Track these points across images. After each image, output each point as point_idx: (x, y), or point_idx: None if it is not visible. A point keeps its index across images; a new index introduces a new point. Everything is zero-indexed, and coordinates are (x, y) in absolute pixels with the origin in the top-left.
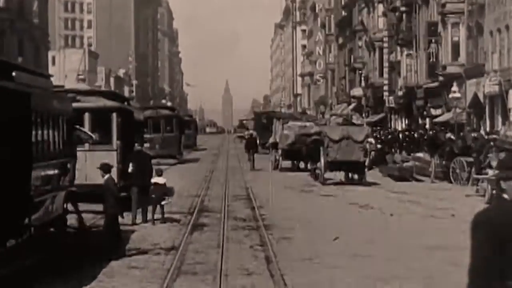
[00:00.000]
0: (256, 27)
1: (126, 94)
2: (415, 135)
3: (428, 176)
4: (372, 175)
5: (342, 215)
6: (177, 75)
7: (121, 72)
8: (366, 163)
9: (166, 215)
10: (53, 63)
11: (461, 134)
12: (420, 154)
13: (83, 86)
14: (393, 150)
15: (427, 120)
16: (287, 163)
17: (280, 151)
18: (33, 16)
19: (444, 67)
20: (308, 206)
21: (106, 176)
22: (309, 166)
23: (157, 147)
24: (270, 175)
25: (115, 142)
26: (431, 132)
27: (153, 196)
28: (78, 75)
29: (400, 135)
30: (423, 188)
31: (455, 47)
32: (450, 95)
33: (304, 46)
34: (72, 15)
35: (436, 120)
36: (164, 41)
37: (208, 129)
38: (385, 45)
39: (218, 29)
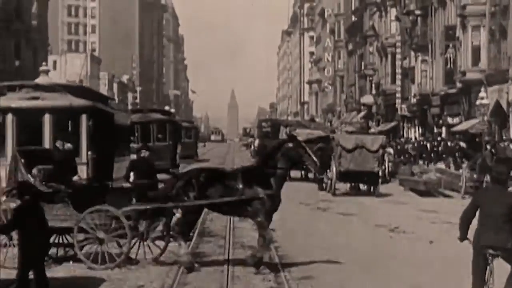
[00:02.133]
0: (263, 34)
1: (130, 100)
2: (449, 143)
3: (456, 191)
4: (391, 188)
5: (372, 243)
6: (183, 82)
7: (124, 78)
8: (385, 174)
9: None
10: (54, 67)
11: (501, 144)
12: (441, 166)
13: (46, 80)
14: (414, 160)
15: (443, 129)
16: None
17: None
18: (31, 18)
19: (464, 73)
20: (328, 229)
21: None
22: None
23: None
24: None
25: (85, 153)
26: (461, 143)
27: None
28: (43, 65)
29: (428, 145)
30: (454, 206)
31: (476, 51)
32: (478, 101)
33: (311, 53)
34: (75, 20)
35: (454, 129)
36: (169, 47)
37: (213, 137)
38: (398, 50)
39: (224, 36)
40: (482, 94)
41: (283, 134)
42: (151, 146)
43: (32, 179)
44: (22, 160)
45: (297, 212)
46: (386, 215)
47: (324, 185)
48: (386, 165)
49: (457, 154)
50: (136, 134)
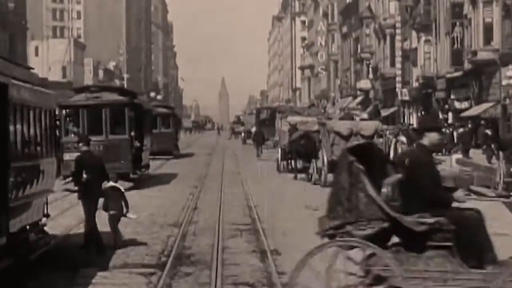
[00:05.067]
0: (253, 21)
1: None
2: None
3: (488, 187)
4: None
5: None
6: (172, 70)
7: (111, 65)
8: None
9: (117, 262)
10: (36, 54)
11: None
12: (458, 156)
13: None
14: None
15: (450, 114)
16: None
17: (280, 151)
18: (7, 0)
19: (475, 53)
20: None
21: None
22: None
23: None
24: (278, 188)
25: None
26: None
27: (113, 212)
28: None
29: (454, 132)
30: (495, 208)
31: (488, 29)
32: (504, 81)
33: (303, 38)
34: (60, 6)
35: (464, 114)
36: (158, 34)
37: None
38: (398, 31)
39: (214, 24)
40: (510, 72)
41: (279, 121)
42: (103, 140)
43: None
44: (362, 167)
45: (302, 220)
46: None
47: (310, 176)
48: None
49: (492, 145)
50: (81, 123)
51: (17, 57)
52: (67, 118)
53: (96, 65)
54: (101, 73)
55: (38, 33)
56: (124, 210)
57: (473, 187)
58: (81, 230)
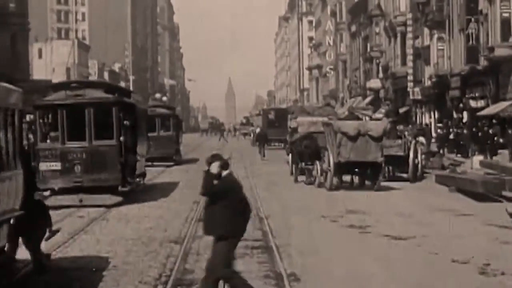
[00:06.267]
0: (260, 21)
1: None
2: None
3: None
4: (430, 188)
5: None
6: (178, 71)
7: (116, 66)
8: (418, 169)
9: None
10: (40, 56)
11: None
12: (480, 157)
13: None
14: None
15: (465, 113)
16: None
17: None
18: (8, 0)
19: (492, 49)
20: (385, 270)
21: None
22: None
23: (78, 170)
24: (290, 194)
25: None
26: None
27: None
28: None
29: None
30: None
31: (505, 24)
32: None
33: (310, 38)
34: (65, 7)
35: (480, 113)
36: (164, 35)
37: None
38: (409, 29)
39: (220, 24)
40: None
41: (289, 121)
42: (86, 146)
43: None
44: None
45: (324, 236)
46: (456, 237)
47: (312, 179)
48: (419, 158)
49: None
50: (60, 126)
51: (18, 59)
52: (43, 121)
53: (101, 67)
54: (106, 75)
55: (42, 35)
56: (47, 232)
57: (505, 193)
58: (60, 254)
